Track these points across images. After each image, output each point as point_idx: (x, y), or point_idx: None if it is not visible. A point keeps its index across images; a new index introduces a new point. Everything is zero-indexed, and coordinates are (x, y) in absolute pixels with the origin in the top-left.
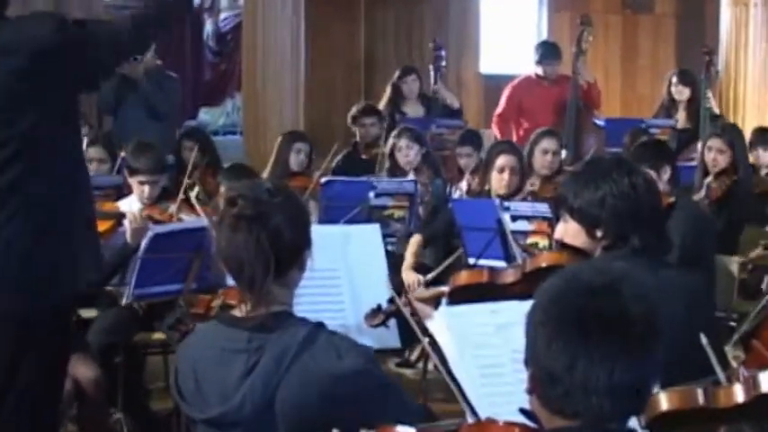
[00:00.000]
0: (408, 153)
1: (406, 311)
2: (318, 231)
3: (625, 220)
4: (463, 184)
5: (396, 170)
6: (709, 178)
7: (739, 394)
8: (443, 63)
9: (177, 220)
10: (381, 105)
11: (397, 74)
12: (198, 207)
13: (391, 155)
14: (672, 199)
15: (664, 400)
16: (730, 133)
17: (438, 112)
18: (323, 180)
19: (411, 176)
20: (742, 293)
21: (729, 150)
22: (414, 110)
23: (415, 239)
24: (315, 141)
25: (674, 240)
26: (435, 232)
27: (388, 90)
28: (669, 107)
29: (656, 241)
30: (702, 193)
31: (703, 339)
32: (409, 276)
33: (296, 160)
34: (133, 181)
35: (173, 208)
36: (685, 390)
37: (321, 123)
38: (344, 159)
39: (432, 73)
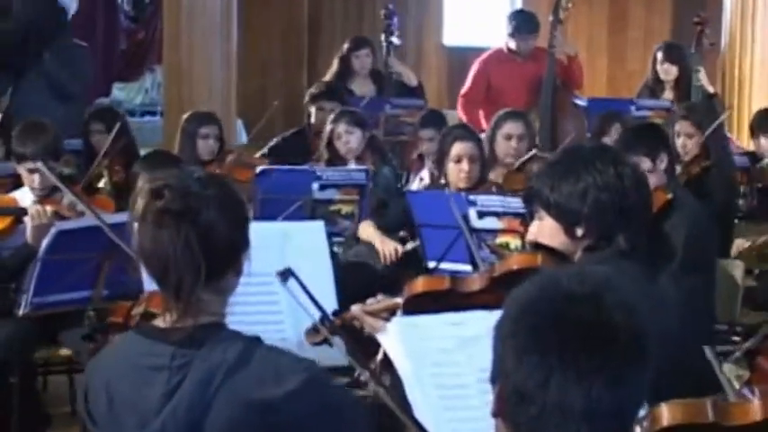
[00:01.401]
0: (349, 139)
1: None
2: (252, 229)
3: (610, 216)
4: (425, 174)
5: (336, 160)
6: (679, 168)
7: (757, 411)
8: (395, 34)
9: (80, 215)
10: (323, 81)
11: (346, 45)
12: (83, 208)
13: (329, 143)
14: (669, 196)
15: (667, 413)
16: (698, 112)
17: (392, 90)
18: (258, 169)
19: (352, 164)
20: (748, 303)
21: (699, 132)
22: (363, 88)
23: (369, 222)
24: (250, 122)
25: (675, 244)
26: (387, 225)
27: (336, 64)
28: (654, 87)
29: (645, 242)
30: None
31: (708, 352)
32: (386, 245)
33: (204, 147)
34: (21, 169)
35: (70, 200)
36: (692, 403)
37: (257, 101)
38: (286, 143)
39: (383, 45)
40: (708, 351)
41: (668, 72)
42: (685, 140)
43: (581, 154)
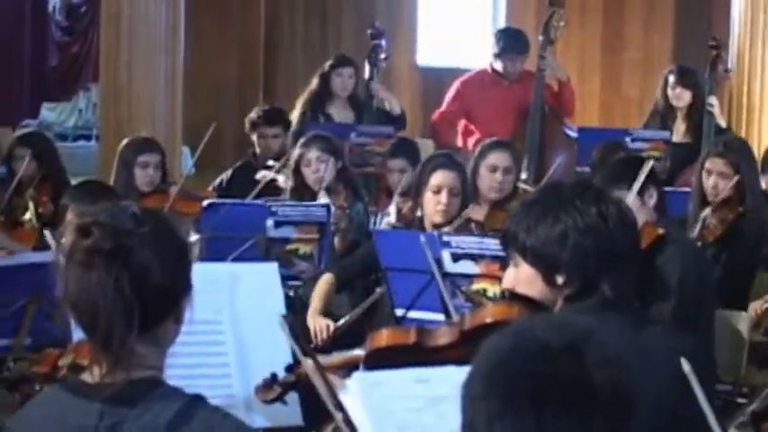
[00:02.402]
0: (319, 168)
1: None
2: (197, 270)
3: (593, 261)
4: (392, 209)
5: (303, 190)
6: (707, 211)
7: None
8: (383, 56)
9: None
10: (300, 103)
11: (329, 63)
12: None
13: (297, 170)
14: (661, 231)
15: None
16: (736, 150)
17: (371, 118)
18: (205, 203)
19: (323, 199)
20: (754, 360)
21: (734, 174)
22: (341, 113)
23: (326, 279)
24: (198, 149)
25: (670, 280)
26: (352, 273)
27: (314, 83)
28: (665, 115)
29: (633, 289)
30: (696, 230)
31: (685, 366)
32: (317, 321)
33: (143, 177)
34: None
35: None
36: None
37: (206, 124)
38: (236, 175)
39: (367, 67)
40: (684, 365)
41: (681, 98)
42: (717, 180)
43: (560, 192)
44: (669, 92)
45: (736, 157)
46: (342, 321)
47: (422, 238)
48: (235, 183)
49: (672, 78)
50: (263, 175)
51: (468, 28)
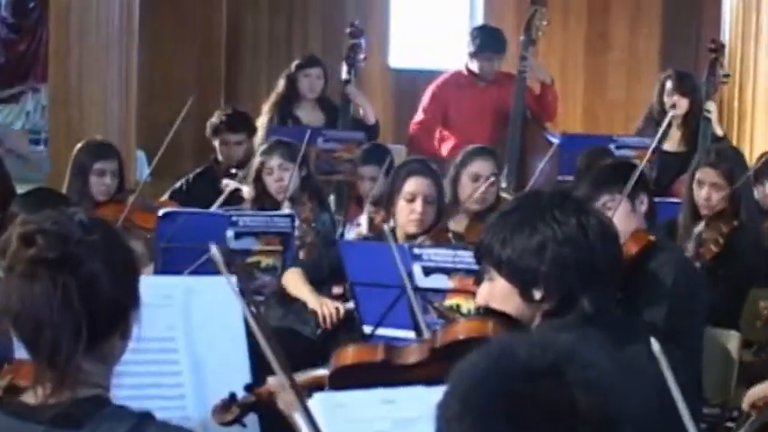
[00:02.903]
0: (282, 176)
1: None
2: (150, 284)
3: (572, 274)
4: (363, 220)
5: (264, 200)
6: (701, 226)
7: None
8: (363, 56)
9: None
10: (267, 107)
11: (295, 63)
12: None
13: (258, 178)
14: (652, 237)
15: None
16: (729, 160)
17: (344, 124)
18: (161, 212)
19: (286, 209)
20: (744, 382)
21: (728, 184)
22: (310, 115)
23: (295, 271)
24: (155, 155)
25: (663, 287)
26: (318, 276)
27: (281, 85)
28: (660, 121)
29: (615, 304)
30: (690, 246)
31: (655, 346)
32: (324, 304)
33: (99, 186)
34: None
35: None
36: None
37: (163, 128)
38: (196, 183)
39: (344, 68)
40: (654, 345)
41: (678, 106)
42: (710, 192)
43: (538, 202)
44: (665, 98)
45: (729, 167)
46: (350, 304)
47: (392, 249)
48: (195, 191)
49: (669, 84)
50: (226, 184)
51: (443, 27)
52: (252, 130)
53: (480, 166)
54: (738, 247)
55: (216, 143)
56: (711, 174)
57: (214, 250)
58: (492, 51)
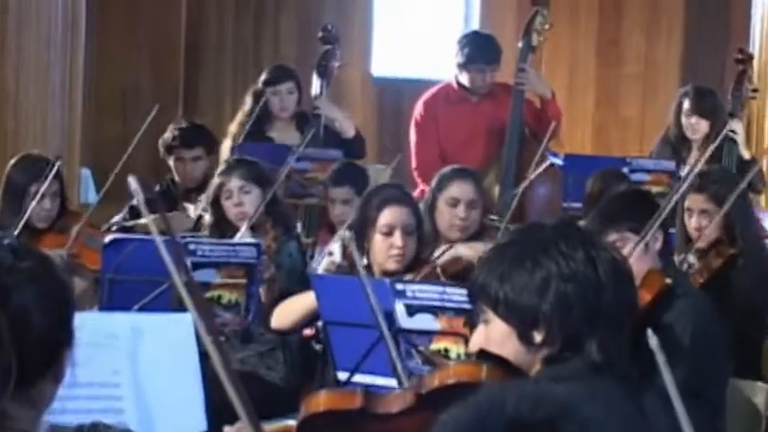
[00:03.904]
0: (242, 200)
1: None
2: (92, 320)
3: (578, 316)
4: (335, 248)
5: (224, 226)
6: (692, 258)
7: None
8: (337, 64)
9: None
10: (233, 127)
11: (262, 77)
12: None
13: (216, 202)
14: (668, 280)
15: None
16: (716, 181)
17: (322, 141)
18: (107, 239)
19: (247, 236)
20: None
21: (718, 208)
22: (285, 134)
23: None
24: (106, 173)
25: (680, 345)
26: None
27: (248, 103)
28: (677, 145)
29: (627, 353)
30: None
31: (652, 341)
32: None
33: (36, 211)
34: None
35: None
36: None
37: (113, 142)
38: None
39: (315, 79)
40: (651, 339)
41: (696, 129)
42: (699, 220)
43: (540, 233)
44: (683, 119)
45: (715, 189)
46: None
47: (368, 285)
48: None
49: (686, 104)
50: (190, 210)
51: (434, 31)
52: (210, 144)
53: (458, 190)
54: (738, 283)
55: (171, 162)
56: (698, 199)
57: (131, 180)
58: (484, 62)
